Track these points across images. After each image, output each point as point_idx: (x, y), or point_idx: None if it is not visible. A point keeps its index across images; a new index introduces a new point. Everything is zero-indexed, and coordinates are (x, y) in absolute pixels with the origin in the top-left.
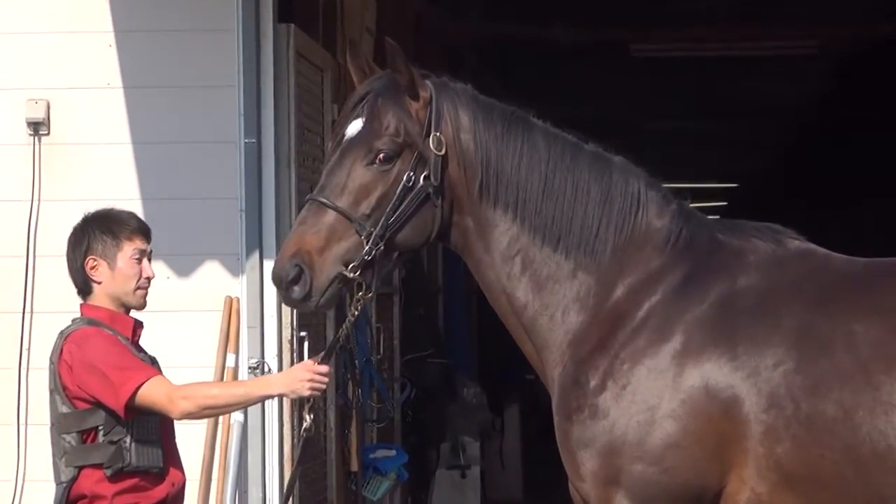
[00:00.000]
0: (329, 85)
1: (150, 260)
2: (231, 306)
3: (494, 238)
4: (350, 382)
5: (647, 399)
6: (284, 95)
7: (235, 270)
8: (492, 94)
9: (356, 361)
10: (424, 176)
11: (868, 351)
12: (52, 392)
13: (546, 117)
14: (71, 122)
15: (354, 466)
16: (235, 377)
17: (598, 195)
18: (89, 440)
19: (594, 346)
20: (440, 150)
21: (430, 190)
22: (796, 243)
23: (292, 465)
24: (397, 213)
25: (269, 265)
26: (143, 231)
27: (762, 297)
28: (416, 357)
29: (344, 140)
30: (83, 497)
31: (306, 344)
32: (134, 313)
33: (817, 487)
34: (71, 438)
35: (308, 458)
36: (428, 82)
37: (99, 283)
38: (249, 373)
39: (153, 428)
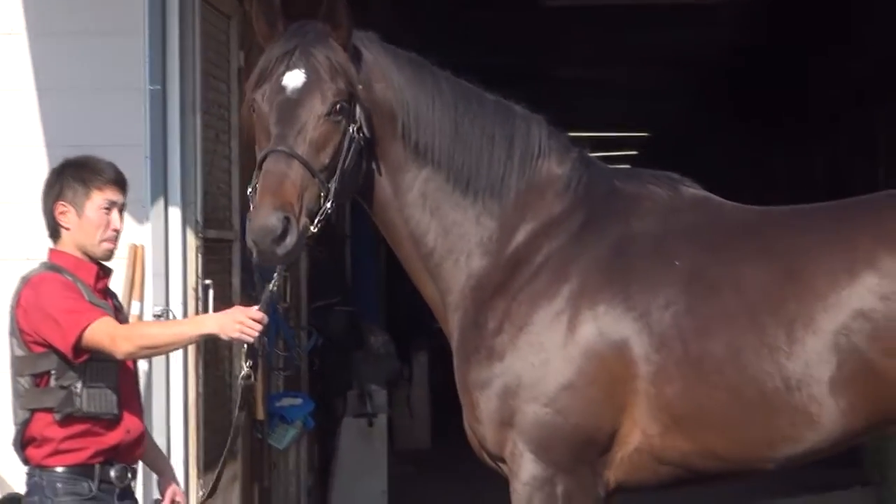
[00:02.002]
0: (235, 31)
1: (121, 212)
2: (136, 254)
3: (405, 182)
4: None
5: (543, 341)
6: (190, 42)
7: (140, 218)
8: (401, 43)
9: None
10: (357, 128)
11: (755, 294)
12: (9, 335)
13: (457, 66)
14: None
15: (261, 415)
16: None
17: (502, 141)
18: (42, 384)
19: (494, 290)
20: (367, 102)
21: (363, 142)
22: (691, 191)
23: (197, 415)
24: (345, 165)
25: (173, 212)
26: (116, 182)
27: (656, 241)
28: (323, 305)
29: (289, 90)
30: (34, 440)
31: (211, 292)
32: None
33: (706, 428)
34: (25, 381)
35: (243, 406)
36: (354, 35)
37: (67, 229)
38: (153, 320)
39: (109, 374)
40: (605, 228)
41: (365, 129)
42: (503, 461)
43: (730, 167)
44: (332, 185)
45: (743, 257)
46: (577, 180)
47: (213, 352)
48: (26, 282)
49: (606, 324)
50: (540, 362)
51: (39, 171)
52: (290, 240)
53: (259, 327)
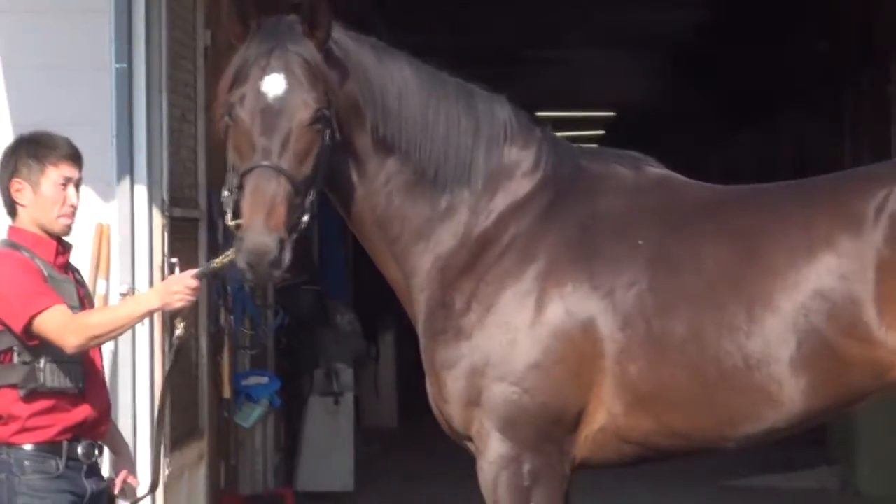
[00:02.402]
0: (201, 11)
1: (77, 188)
2: (102, 232)
3: (371, 171)
4: (222, 309)
5: (511, 321)
6: (156, 21)
7: (106, 196)
8: (371, 24)
9: (228, 288)
10: (331, 132)
11: (716, 273)
12: None
13: (427, 46)
14: None
15: (227, 393)
16: (106, 303)
17: (468, 126)
18: (5, 360)
19: (461, 270)
20: (339, 102)
21: (333, 145)
22: (655, 170)
23: (163, 381)
24: (322, 173)
25: (139, 190)
26: (72, 157)
27: (620, 220)
28: (289, 284)
29: (270, 97)
30: (0, 418)
31: (177, 270)
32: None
33: (669, 407)
34: None
35: (178, 368)
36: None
37: (23, 206)
38: (120, 299)
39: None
40: (572, 208)
41: (338, 133)
42: (470, 440)
43: (696, 146)
44: (311, 198)
45: (704, 236)
46: (543, 161)
47: (174, 317)
48: None
49: (573, 303)
50: (507, 342)
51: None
52: (285, 261)
53: (194, 293)
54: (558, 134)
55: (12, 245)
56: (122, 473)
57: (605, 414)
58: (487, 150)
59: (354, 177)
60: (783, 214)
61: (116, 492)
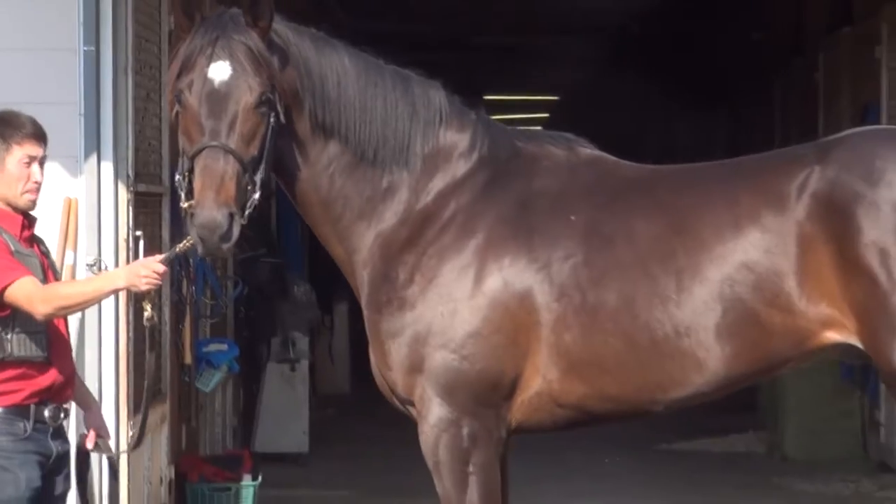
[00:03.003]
0: None
1: (42, 165)
2: (70, 206)
3: (313, 154)
4: (184, 280)
5: (452, 292)
6: (122, 5)
7: (74, 172)
8: (326, 12)
9: (190, 260)
10: (275, 116)
11: (647, 246)
12: None
13: (380, 34)
14: None
15: (188, 359)
16: (74, 275)
17: (405, 110)
18: None
19: (403, 245)
20: (287, 89)
21: (278, 129)
22: (587, 150)
23: (127, 359)
24: (269, 154)
25: (106, 167)
26: (36, 136)
27: (556, 197)
28: (248, 257)
29: (217, 82)
30: None
31: (141, 243)
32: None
33: (601, 373)
34: None
35: (153, 347)
36: (274, 29)
37: None
38: (87, 270)
39: (39, 320)
40: (509, 186)
41: (282, 116)
42: (413, 404)
43: (636, 129)
44: (259, 176)
45: (636, 212)
46: (479, 142)
47: (142, 300)
48: None
49: (511, 275)
50: (448, 312)
51: None
52: (234, 234)
53: (161, 277)
54: (505, 117)
55: None
56: (94, 426)
57: (540, 379)
58: (424, 132)
59: (298, 160)
60: (711, 192)
61: (90, 446)
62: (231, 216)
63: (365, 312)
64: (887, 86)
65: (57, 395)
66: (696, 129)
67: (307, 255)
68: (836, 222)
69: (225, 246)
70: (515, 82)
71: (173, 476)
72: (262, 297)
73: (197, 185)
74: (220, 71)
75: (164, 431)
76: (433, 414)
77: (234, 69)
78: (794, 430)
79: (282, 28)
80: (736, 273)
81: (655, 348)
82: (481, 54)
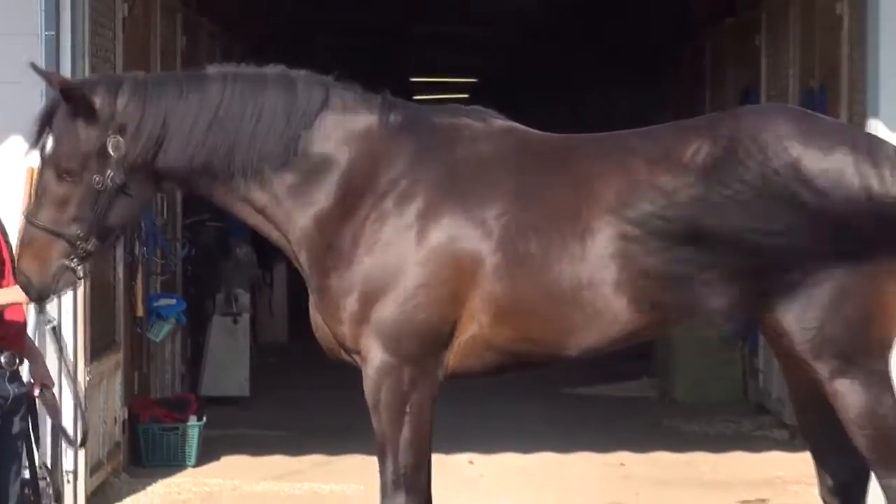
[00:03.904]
0: None
1: None
2: (32, 175)
3: (215, 171)
4: (137, 242)
5: (398, 249)
6: None
7: None
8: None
9: (142, 224)
10: (110, 176)
11: (559, 208)
12: None
13: (326, 22)
14: None
15: (140, 312)
16: None
17: (295, 108)
18: None
19: (341, 219)
20: (120, 151)
21: (118, 185)
22: (500, 121)
23: (85, 312)
24: (95, 212)
25: None
26: None
27: (479, 163)
28: (195, 221)
29: (43, 157)
30: None
31: None
32: None
33: (524, 318)
34: None
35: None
36: (99, 97)
37: None
38: None
39: None
40: (434, 156)
41: (117, 177)
42: (358, 353)
43: (543, 110)
44: (80, 234)
45: (553, 177)
46: (391, 120)
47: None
48: None
49: (453, 231)
50: (395, 268)
51: None
52: (31, 294)
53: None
54: (432, 97)
55: None
56: (38, 375)
57: (474, 325)
58: (332, 124)
59: (208, 181)
60: (615, 159)
61: (36, 394)
62: (25, 278)
63: (313, 281)
64: (766, 71)
65: (11, 344)
66: (596, 107)
67: None
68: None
69: (32, 301)
70: (441, 66)
71: (126, 417)
72: (208, 257)
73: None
74: (48, 146)
75: (118, 377)
76: (378, 360)
77: (53, 145)
78: (683, 377)
79: (134, 90)
80: (631, 231)
81: (569, 299)
82: (414, 41)
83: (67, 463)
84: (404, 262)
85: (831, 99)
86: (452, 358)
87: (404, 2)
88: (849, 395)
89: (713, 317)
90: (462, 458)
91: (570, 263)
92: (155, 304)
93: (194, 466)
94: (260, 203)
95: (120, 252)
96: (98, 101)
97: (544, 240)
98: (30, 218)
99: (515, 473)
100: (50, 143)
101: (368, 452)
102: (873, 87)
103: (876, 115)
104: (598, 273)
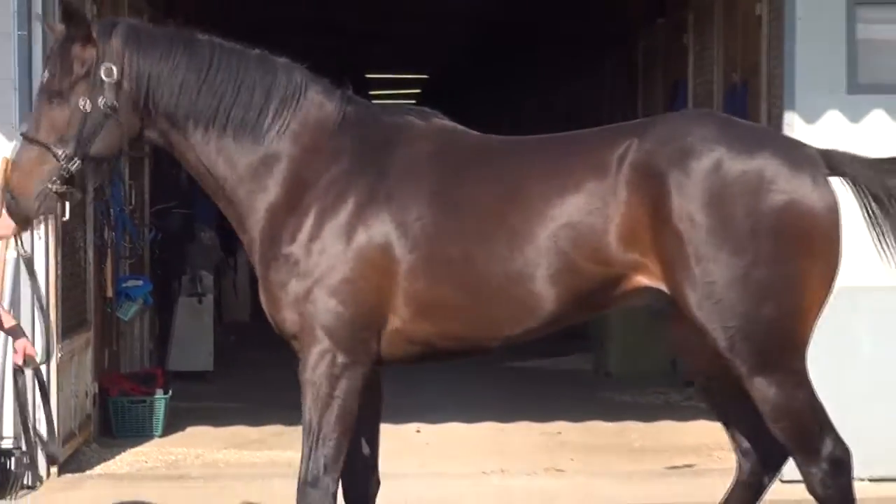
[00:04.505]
0: None
1: None
2: (7, 165)
3: (190, 129)
4: (106, 227)
5: (329, 248)
6: None
7: (11, 137)
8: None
9: (111, 210)
10: (101, 101)
11: (487, 210)
12: None
13: (273, 19)
14: None
15: (109, 293)
16: None
17: (274, 93)
18: None
19: (286, 210)
20: (111, 77)
21: (108, 110)
22: (440, 121)
23: (56, 293)
24: (81, 134)
25: None
26: None
27: (411, 165)
28: (162, 207)
29: (40, 86)
30: None
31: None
32: None
33: (445, 316)
34: None
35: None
36: (97, 26)
37: None
38: None
39: None
40: (373, 155)
41: (108, 100)
42: (296, 339)
43: (493, 104)
44: (67, 153)
45: (479, 179)
46: (345, 115)
47: (70, 244)
48: None
49: (374, 233)
50: (327, 265)
51: None
52: (14, 211)
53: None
54: (385, 92)
55: None
56: (20, 345)
57: (397, 319)
58: (295, 109)
59: (181, 137)
60: (544, 162)
61: (20, 362)
62: (10, 196)
63: (258, 268)
64: (693, 67)
65: None
66: (542, 103)
67: (216, 208)
68: (651, 187)
69: (14, 219)
70: (395, 63)
71: (97, 391)
72: (174, 242)
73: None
74: (43, 77)
75: (89, 354)
76: (313, 347)
77: (46, 75)
78: (616, 351)
79: (129, 32)
80: (560, 231)
81: (492, 295)
82: (368, 39)
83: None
84: (334, 259)
85: (752, 93)
86: (380, 347)
87: (357, 2)
88: (766, 390)
89: (632, 305)
90: (411, 428)
91: (496, 263)
92: (123, 285)
93: (161, 436)
94: (222, 174)
95: (90, 236)
96: (96, 30)
97: (467, 240)
98: (24, 134)
99: (460, 441)
100: (48, 69)
101: None
102: (789, 83)
103: (792, 108)
104: (529, 270)
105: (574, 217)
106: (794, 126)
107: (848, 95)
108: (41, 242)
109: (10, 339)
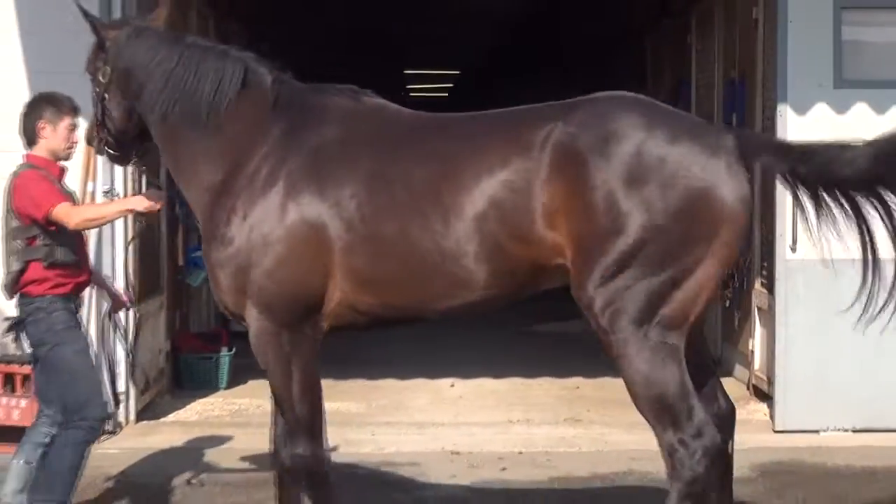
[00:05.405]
0: None
1: (75, 130)
2: (90, 152)
3: (156, 117)
4: (177, 202)
5: (262, 229)
6: None
7: None
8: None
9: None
10: (100, 93)
11: (420, 188)
12: (7, 212)
13: (326, 24)
14: None
15: (181, 262)
16: (94, 199)
17: (215, 79)
18: (32, 244)
19: (222, 192)
20: (104, 78)
21: (105, 102)
22: (372, 100)
23: (136, 258)
24: (100, 118)
25: None
26: (75, 110)
27: (343, 145)
28: None
29: None
30: (34, 281)
31: (143, 176)
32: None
33: (384, 288)
34: (20, 242)
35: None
36: (112, 34)
37: (45, 139)
38: (104, 195)
39: (71, 236)
40: (303, 136)
41: (104, 95)
42: (243, 319)
43: (519, 95)
44: (96, 129)
45: (412, 158)
46: (277, 98)
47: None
48: (16, 175)
49: (308, 213)
50: (261, 245)
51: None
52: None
53: (157, 204)
54: (421, 86)
55: (33, 166)
56: (116, 293)
57: (339, 293)
58: (229, 94)
59: (153, 128)
60: (475, 141)
61: (129, 304)
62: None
63: (202, 245)
64: (696, 65)
65: (82, 288)
66: (560, 98)
67: None
68: (572, 168)
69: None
70: (428, 60)
71: (169, 349)
72: None
73: None
74: None
75: (162, 315)
76: (258, 326)
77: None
78: None
79: (127, 35)
80: (488, 210)
81: (427, 270)
82: (403, 40)
83: (121, 385)
84: (268, 240)
85: (749, 88)
86: (328, 320)
87: (397, 6)
88: (633, 361)
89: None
90: (445, 382)
91: (430, 240)
92: (193, 254)
93: (225, 389)
94: (176, 159)
95: (163, 211)
96: (108, 36)
97: (402, 218)
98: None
99: (489, 394)
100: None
101: (366, 377)
102: (782, 78)
103: (784, 101)
104: (460, 247)
105: (500, 195)
106: (787, 117)
107: (834, 90)
108: (120, 223)
109: (95, 300)
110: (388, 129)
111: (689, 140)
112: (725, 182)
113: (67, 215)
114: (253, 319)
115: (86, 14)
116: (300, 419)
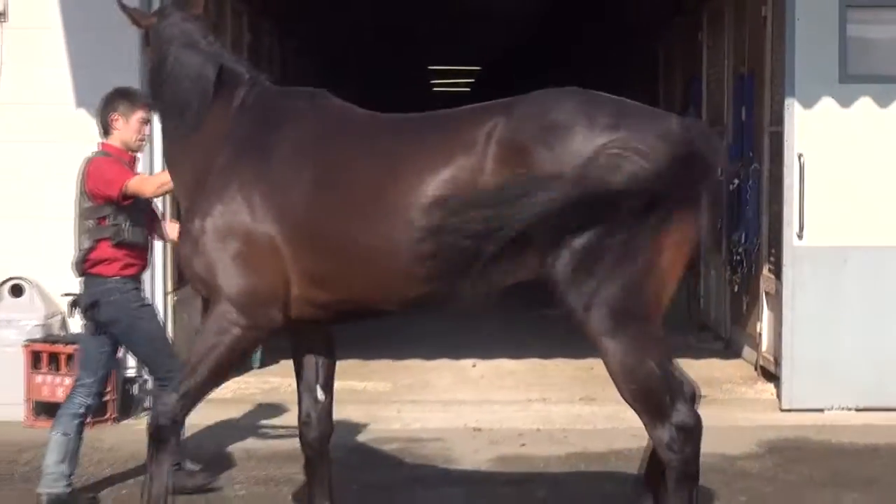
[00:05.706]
0: None
1: (147, 123)
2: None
3: (158, 115)
4: None
5: (220, 228)
6: None
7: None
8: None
9: None
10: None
11: (365, 189)
12: (80, 194)
13: (356, 21)
14: None
15: None
16: None
17: (196, 80)
18: (102, 223)
19: (194, 190)
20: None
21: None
22: (328, 101)
23: None
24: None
25: None
26: (147, 105)
27: (295, 146)
28: None
29: None
30: (104, 260)
31: None
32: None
33: (335, 285)
34: (90, 222)
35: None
36: (148, 22)
37: (118, 130)
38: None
39: (141, 217)
40: (261, 137)
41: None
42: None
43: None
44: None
45: (361, 157)
46: (244, 100)
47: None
48: (89, 161)
49: (258, 215)
50: (220, 242)
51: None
52: None
53: None
54: (444, 81)
55: (105, 153)
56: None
57: (296, 289)
58: (203, 96)
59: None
60: (421, 140)
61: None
62: None
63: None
64: (707, 61)
65: (145, 269)
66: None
67: None
68: (516, 161)
69: None
70: (452, 56)
71: None
72: None
73: None
74: None
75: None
76: (221, 306)
77: None
78: None
79: (164, 27)
80: (431, 208)
81: (373, 267)
82: (425, 38)
83: None
84: (225, 239)
85: (757, 83)
86: (287, 311)
87: (421, 4)
88: (615, 353)
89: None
90: (467, 363)
91: (377, 238)
92: None
93: (259, 368)
94: (167, 155)
95: None
96: (147, 24)
97: (350, 217)
98: None
99: (508, 374)
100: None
101: (393, 358)
102: (789, 74)
103: (792, 95)
104: (403, 246)
105: (445, 192)
106: (794, 111)
107: (840, 84)
108: (158, 202)
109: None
110: (339, 130)
111: (631, 126)
112: (670, 166)
113: (142, 184)
114: (216, 299)
115: (123, 7)
116: (191, 386)
